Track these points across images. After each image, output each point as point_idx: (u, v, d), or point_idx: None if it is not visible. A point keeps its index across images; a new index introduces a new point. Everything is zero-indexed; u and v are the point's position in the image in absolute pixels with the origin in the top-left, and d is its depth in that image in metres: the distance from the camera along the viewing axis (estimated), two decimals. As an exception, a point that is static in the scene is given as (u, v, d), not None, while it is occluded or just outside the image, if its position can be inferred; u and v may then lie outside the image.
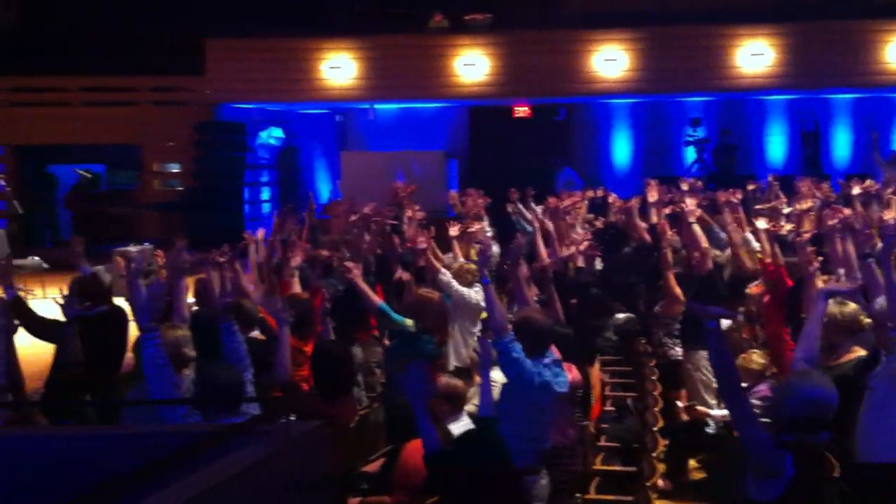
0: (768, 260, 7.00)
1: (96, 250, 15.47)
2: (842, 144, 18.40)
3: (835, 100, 18.29)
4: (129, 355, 6.25)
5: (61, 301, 5.69)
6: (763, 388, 6.10)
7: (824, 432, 3.54)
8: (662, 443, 5.88)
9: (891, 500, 4.19)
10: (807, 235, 6.60)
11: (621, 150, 19.25)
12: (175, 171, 17.72)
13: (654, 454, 5.52)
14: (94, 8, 17.44)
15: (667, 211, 9.47)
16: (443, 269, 7.50)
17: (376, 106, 18.08)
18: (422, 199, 13.77)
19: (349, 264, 6.67)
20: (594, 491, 5.25)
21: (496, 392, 4.93)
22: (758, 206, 9.99)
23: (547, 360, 5.01)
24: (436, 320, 6.22)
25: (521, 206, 10.84)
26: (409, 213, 10.37)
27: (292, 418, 3.19)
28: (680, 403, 7.05)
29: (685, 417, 6.80)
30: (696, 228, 7.93)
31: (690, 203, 8.34)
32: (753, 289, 7.22)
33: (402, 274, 7.71)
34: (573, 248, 7.91)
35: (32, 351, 6.58)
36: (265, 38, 17.09)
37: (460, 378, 5.60)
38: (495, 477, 4.04)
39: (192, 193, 17.07)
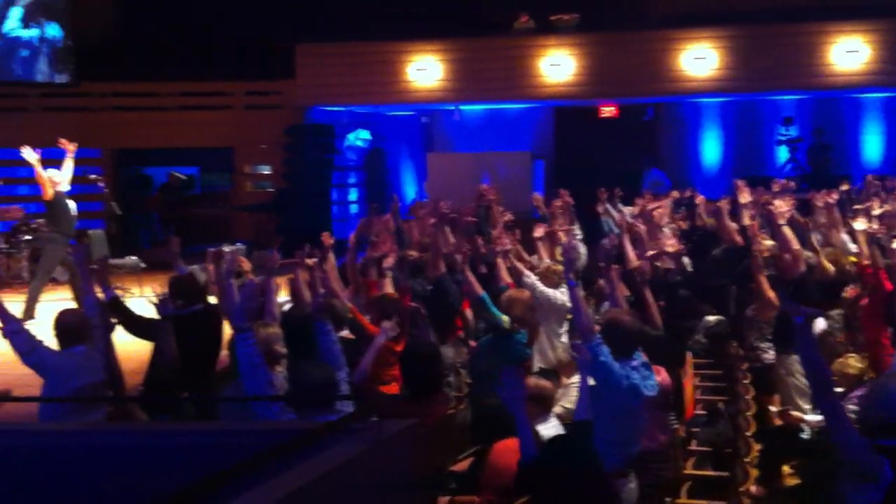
0: (866, 262, 6.81)
1: (190, 251, 15.93)
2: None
3: (934, 97, 17.69)
4: (224, 353, 6.39)
5: (155, 300, 5.85)
6: (861, 393, 5.94)
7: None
8: (755, 448, 5.77)
9: None
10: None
11: (710, 150, 18.93)
12: (266, 172, 18.08)
13: (746, 459, 5.43)
14: (189, 16, 17.92)
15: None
16: (527, 272, 7.48)
17: (462, 107, 18.14)
18: (507, 200, 13.80)
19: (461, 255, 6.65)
20: (685, 495, 5.18)
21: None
22: (856, 207, 9.73)
23: (635, 363, 4.96)
24: (525, 314, 6.21)
25: (609, 206, 10.75)
26: (496, 214, 10.37)
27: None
28: (773, 408, 6.90)
29: (778, 422, 6.66)
30: (787, 230, 7.76)
31: (780, 205, 8.16)
32: (850, 292, 7.03)
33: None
34: (658, 250, 7.82)
35: (132, 348, 6.78)
36: (353, 42, 17.32)
37: (547, 379, 5.58)
38: (585, 480, 4.02)
39: (282, 195, 17.40)
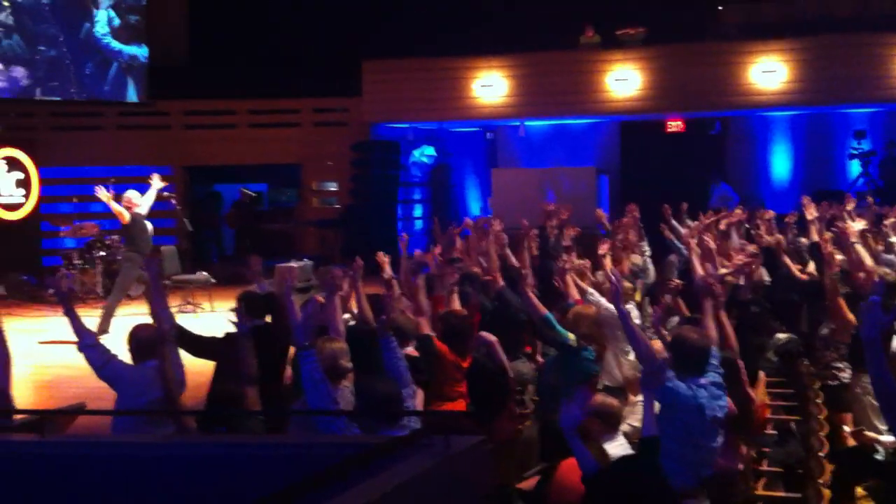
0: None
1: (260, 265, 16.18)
2: None
3: None
4: (289, 370, 6.43)
5: (233, 318, 5.89)
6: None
7: None
8: (828, 468, 5.65)
9: None
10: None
11: (780, 164, 18.63)
12: (332, 189, 18.29)
13: (819, 480, 5.32)
14: (258, 36, 18.27)
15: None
16: (591, 289, 7.43)
17: (526, 122, 18.15)
18: (572, 215, 13.73)
19: (525, 273, 6.63)
20: (756, 516, 5.10)
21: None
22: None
23: (703, 381, 4.88)
24: (592, 330, 6.16)
25: (674, 222, 10.65)
26: (567, 232, 10.31)
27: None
28: (846, 428, 6.74)
29: (852, 442, 6.51)
30: (859, 248, 7.59)
31: (850, 224, 8.00)
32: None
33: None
34: (732, 265, 7.71)
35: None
36: (418, 59, 17.47)
37: (614, 397, 5.54)
38: (652, 499, 3.98)
39: (349, 211, 17.58)
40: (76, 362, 9.24)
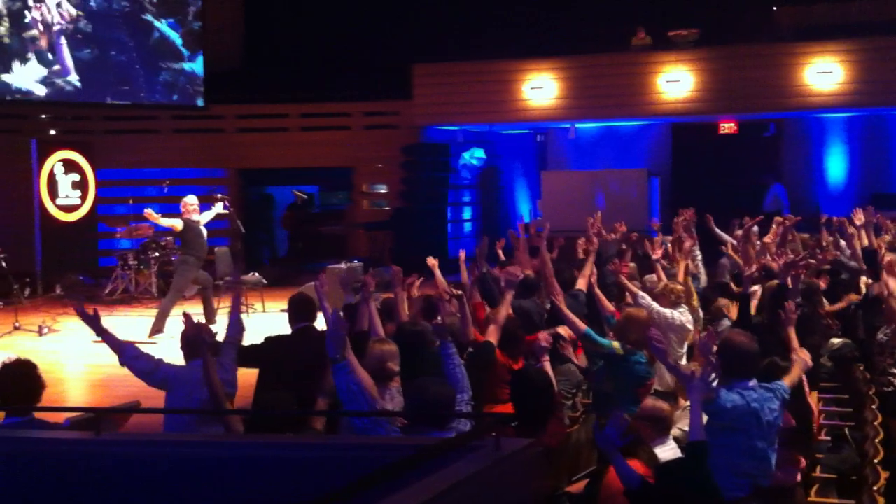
0: None
1: (311, 267, 16.36)
2: None
3: None
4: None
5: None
6: None
7: None
8: (883, 475, 5.55)
9: None
10: None
11: (835, 166, 18.33)
12: (383, 191, 18.39)
13: (874, 487, 5.23)
14: (310, 41, 18.44)
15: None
16: (641, 293, 7.38)
17: (576, 125, 18.08)
18: (623, 217, 13.64)
19: (554, 291, 6.59)
20: (809, 523, 5.03)
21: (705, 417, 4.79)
22: None
23: (752, 384, 4.82)
24: (643, 335, 6.10)
25: (717, 231, 10.59)
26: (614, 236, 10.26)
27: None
28: (903, 435, 6.62)
29: (908, 450, 6.39)
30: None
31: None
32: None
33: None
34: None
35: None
36: (469, 62, 17.50)
37: (665, 401, 5.50)
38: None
39: (399, 213, 17.67)
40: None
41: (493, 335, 6.02)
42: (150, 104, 17.64)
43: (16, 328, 11.39)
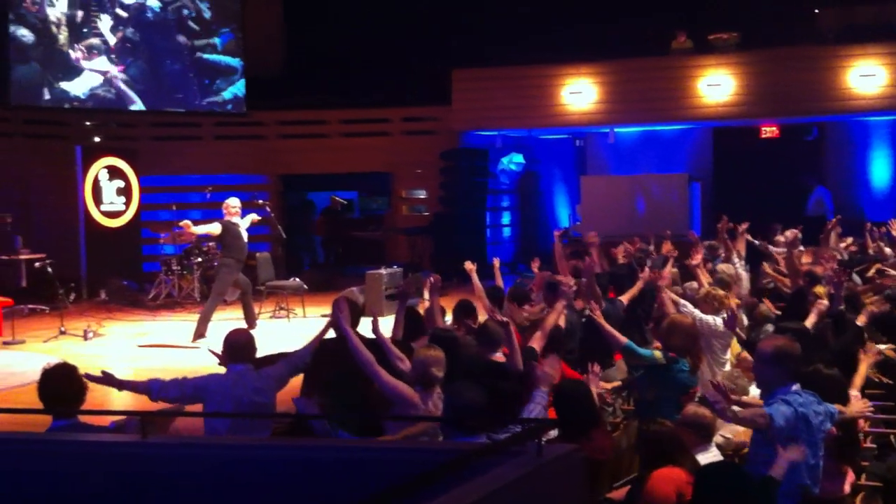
0: None
1: (350, 272, 16.46)
2: None
3: None
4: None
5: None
6: None
7: None
8: (930, 485, 5.46)
9: None
10: None
11: (879, 170, 18.07)
12: (422, 196, 18.45)
13: (921, 496, 5.15)
14: (349, 47, 18.55)
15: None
16: (683, 301, 7.34)
17: (616, 129, 18.01)
18: (663, 223, 13.59)
19: (593, 306, 6.55)
20: (854, 532, 4.96)
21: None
22: None
23: (794, 388, 4.77)
24: (686, 342, 6.06)
25: (759, 244, 10.51)
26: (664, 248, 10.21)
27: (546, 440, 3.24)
28: (951, 443, 6.51)
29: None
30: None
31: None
32: None
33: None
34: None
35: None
36: (507, 67, 17.50)
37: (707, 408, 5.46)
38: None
39: (438, 218, 17.71)
40: (174, 365, 9.56)
41: (537, 341, 6.02)
42: (193, 111, 17.88)
43: (62, 333, 11.57)
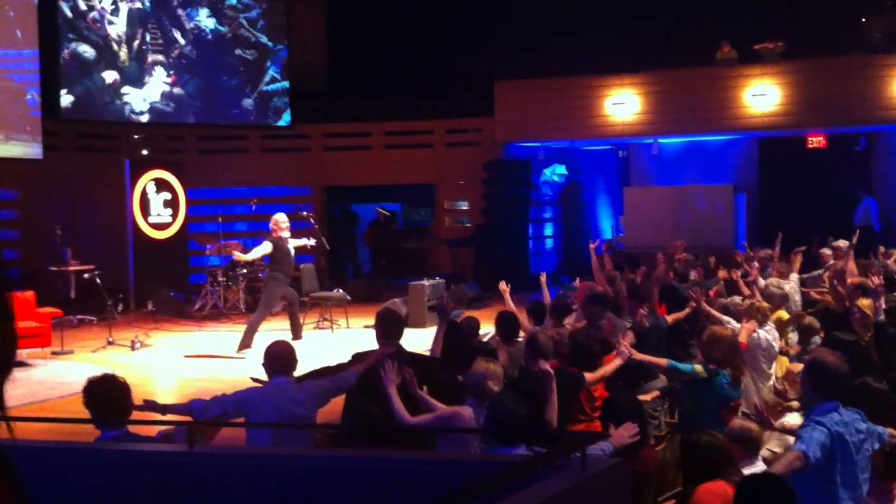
0: None
1: (395, 283, 16.52)
2: None
3: None
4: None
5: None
6: None
7: None
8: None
9: None
10: None
11: (931, 180, 17.78)
12: (465, 208, 18.48)
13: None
14: (394, 60, 18.68)
15: None
16: (725, 318, 7.29)
17: (660, 140, 17.92)
18: (708, 234, 13.49)
19: (623, 342, 6.51)
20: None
21: (790, 439, 4.69)
22: None
23: (835, 405, 4.68)
24: (727, 353, 6.02)
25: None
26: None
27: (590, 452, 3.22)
28: None
29: None
30: None
31: None
32: None
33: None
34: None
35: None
36: (550, 78, 17.49)
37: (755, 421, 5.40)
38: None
39: (480, 229, 17.73)
40: (220, 375, 9.66)
41: (590, 378, 6.05)
42: (240, 124, 18.13)
43: (109, 343, 11.74)
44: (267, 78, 18.13)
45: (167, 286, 15.07)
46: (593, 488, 3.11)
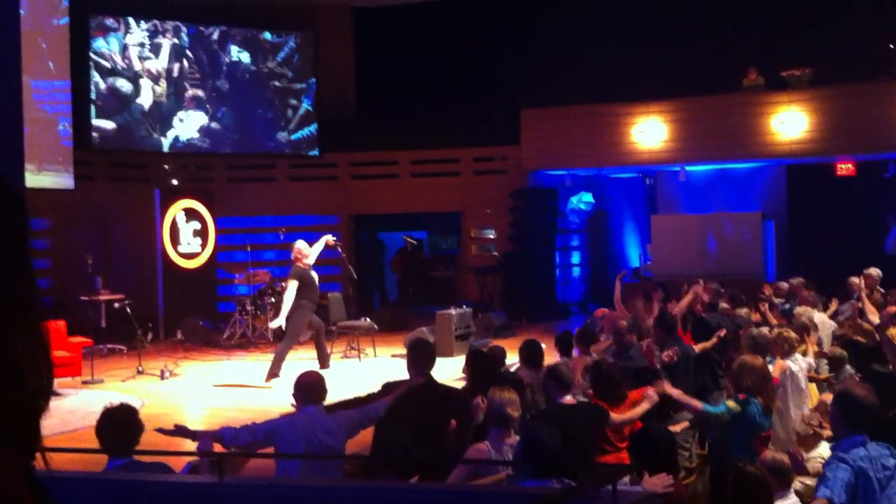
0: None
1: (421, 311, 16.54)
2: None
3: None
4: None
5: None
6: None
7: None
8: None
9: None
10: None
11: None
12: (491, 236, 18.49)
13: None
14: (420, 89, 18.80)
15: None
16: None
17: (687, 167, 17.87)
18: (736, 262, 13.42)
19: (662, 385, 6.47)
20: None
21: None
22: None
23: (862, 439, 4.61)
24: (757, 382, 5.98)
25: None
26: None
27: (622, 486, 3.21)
28: None
29: None
30: None
31: None
32: None
33: None
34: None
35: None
36: (576, 106, 17.52)
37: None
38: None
39: (507, 257, 17.73)
40: (249, 405, 9.70)
41: (617, 418, 6.04)
42: (268, 153, 18.35)
43: (139, 372, 11.82)
44: (301, 111, 18.44)
45: (196, 315, 15.17)
46: (624, 522, 3.11)
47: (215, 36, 17.85)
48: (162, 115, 17.21)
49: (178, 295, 15.73)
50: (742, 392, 5.90)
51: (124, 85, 16.76)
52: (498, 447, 5.02)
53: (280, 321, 11.14)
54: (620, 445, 6.02)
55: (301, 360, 11.71)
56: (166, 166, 17.66)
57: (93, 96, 16.47)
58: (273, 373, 10.98)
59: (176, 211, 16.08)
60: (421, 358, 6.20)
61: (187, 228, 16.29)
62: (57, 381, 10.67)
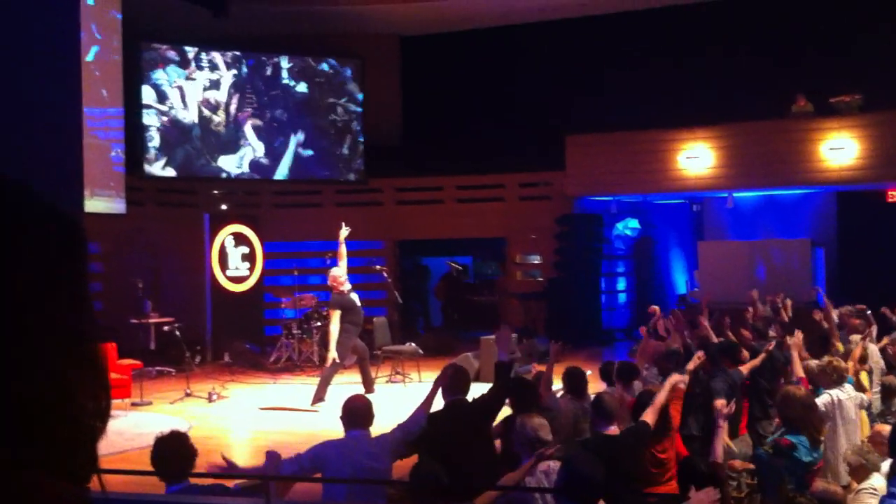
0: None
1: (466, 336, 16.55)
2: None
3: None
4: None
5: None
6: None
7: None
8: None
9: None
10: None
11: None
12: (536, 262, 18.46)
13: None
14: (465, 115, 18.92)
15: None
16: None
17: (735, 194, 17.72)
18: (785, 289, 13.23)
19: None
20: None
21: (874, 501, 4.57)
22: None
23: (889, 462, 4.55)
24: (802, 413, 5.88)
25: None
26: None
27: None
28: None
29: None
30: None
31: None
32: None
33: None
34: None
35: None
36: (622, 132, 17.48)
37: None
38: None
39: (552, 283, 17.68)
40: (295, 428, 9.76)
41: (649, 416, 5.96)
42: (315, 179, 18.55)
43: (187, 395, 11.95)
44: (350, 138, 18.73)
45: (243, 338, 15.32)
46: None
47: (272, 66, 18.27)
48: (221, 144, 17.58)
49: (226, 318, 15.91)
50: (788, 423, 5.82)
51: (186, 116, 17.22)
52: (531, 473, 5.01)
53: (332, 354, 11.19)
54: (657, 471, 5.97)
55: (346, 384, 11.76)
56: (215, 192, 17.92)
57: (150, 124, 16.86)
58: (319, 396, 11.05)
59: (225, 235, 16.30)
60: (455, 383, 6.21)
61: (236, 253, 16.50)
62: (107, 403, 10.81)
